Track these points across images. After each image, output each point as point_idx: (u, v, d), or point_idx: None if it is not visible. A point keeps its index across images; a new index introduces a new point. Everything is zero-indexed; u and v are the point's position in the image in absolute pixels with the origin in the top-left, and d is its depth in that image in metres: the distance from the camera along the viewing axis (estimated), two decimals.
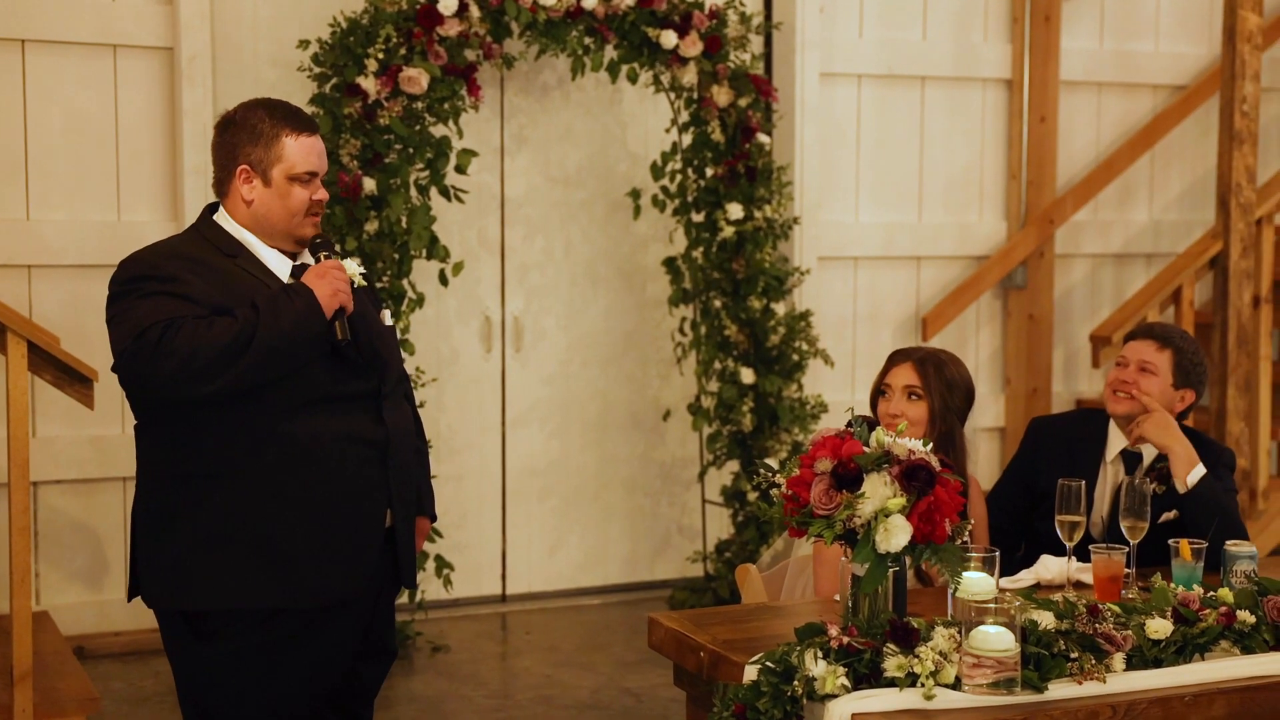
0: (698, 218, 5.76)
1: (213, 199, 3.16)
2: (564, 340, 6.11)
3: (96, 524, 5.33)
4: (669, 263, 5.86)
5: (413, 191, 5.26)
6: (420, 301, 5.35)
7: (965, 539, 2.65)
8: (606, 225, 6.11)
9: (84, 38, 5.27)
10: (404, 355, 5.17)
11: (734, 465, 5.90)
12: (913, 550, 2.51)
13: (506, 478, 6.07)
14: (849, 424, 2.63)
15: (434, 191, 5.34)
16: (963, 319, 6.57)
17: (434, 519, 3.44)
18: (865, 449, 2.57)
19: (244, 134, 3.05)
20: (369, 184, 5.11)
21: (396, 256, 5.22)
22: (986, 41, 6.53)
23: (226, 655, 3.00)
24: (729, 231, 5.66)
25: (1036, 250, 6.54)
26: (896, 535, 2.49)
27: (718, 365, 5.80)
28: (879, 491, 2.51)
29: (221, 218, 3.09)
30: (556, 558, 6.18)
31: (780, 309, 5.79)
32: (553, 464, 6.13)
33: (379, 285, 5.19)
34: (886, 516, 2.49)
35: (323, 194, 3.09)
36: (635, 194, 5.83)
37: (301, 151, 3.04)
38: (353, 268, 3.15)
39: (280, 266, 3.08)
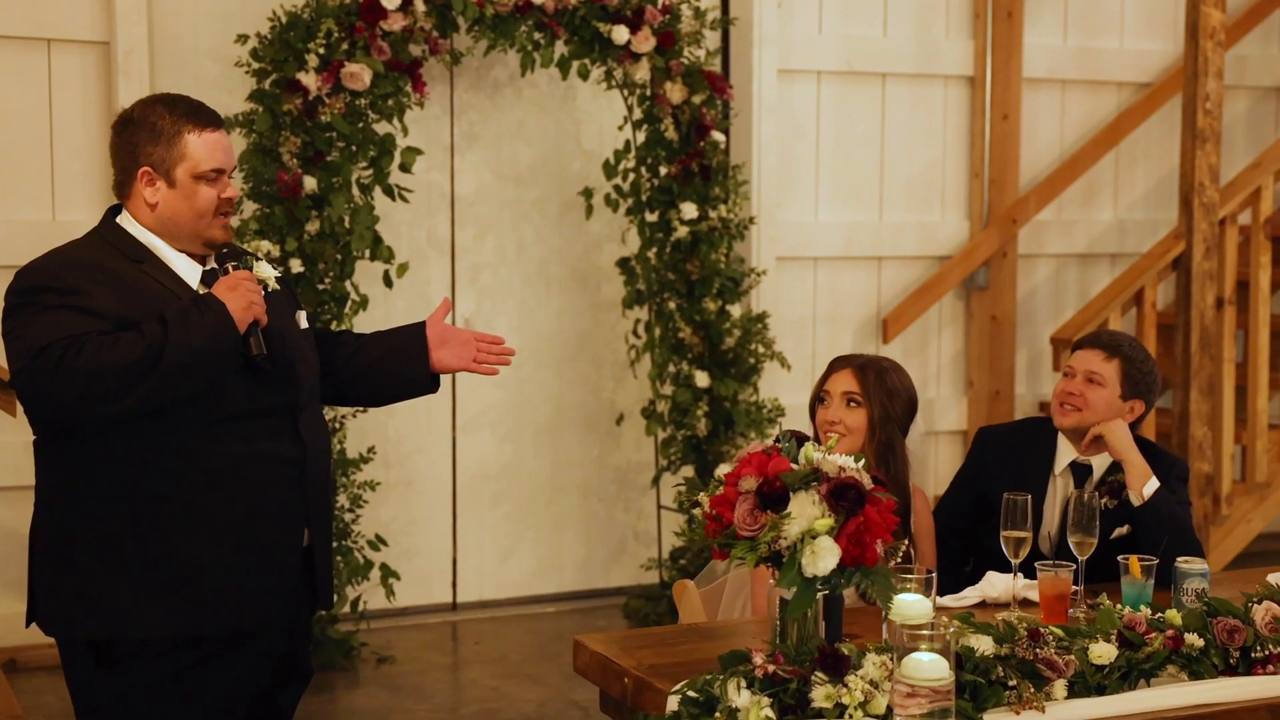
0: (651, 217, 5.62)
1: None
2: (516, 342, 5.94)
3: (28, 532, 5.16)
4: (623, 263, 5.73)
5: (355, 190, 5.11)
6: (364, 304, 5.21)
7: (902, 555, 2.52)
8: (560, 225, 5.98)
9: (16, 31, 5.11)
10: None
11: (689, 470, 5.77)
12: (842, 573, 2.38)
13: (457, 483, 5.93)
14: (777, 439, 2.50)
15: (379, 191, 5.19)
16: (924, 320, 6.46)
17: None
18: (793, 466, 2.43)
19: (144, 133, 2.88)
20: (310, 183, 4.96)
21: (339, 257, 5.08)
22: (948, 38, 6.41)
23: (132, 685, 2.85)
24: (683, 231, 5.52)
25: (999, 250, 6.43)
26: (824, 558, 2.35)
27: (672, 368, 5.67)
28: (806, 511, 2.38)
29: (125, 221, 2.93)
30: (509, 565, 6.04)
31: (736, 311, 5.66)
32: (505, 469, 5.99)
33: (320, 287, 5.05)
34: (814, 538, 2.35)
35: (232, 192, 2.94)
36: (588, 193, 5.69)
37: (206, 148, 2.89)
38: (266, 270, 3.01)
39: (189, 272, 2.93)
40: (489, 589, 6.01)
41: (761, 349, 5.65)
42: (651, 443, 5.98)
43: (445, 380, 5.82)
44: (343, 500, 5.18)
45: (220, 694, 2.91)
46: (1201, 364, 5.50)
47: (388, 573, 5.37)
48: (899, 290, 6.44)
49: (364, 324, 5.47)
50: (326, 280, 5.06)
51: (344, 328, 5.06)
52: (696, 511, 2.47)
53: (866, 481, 2.43)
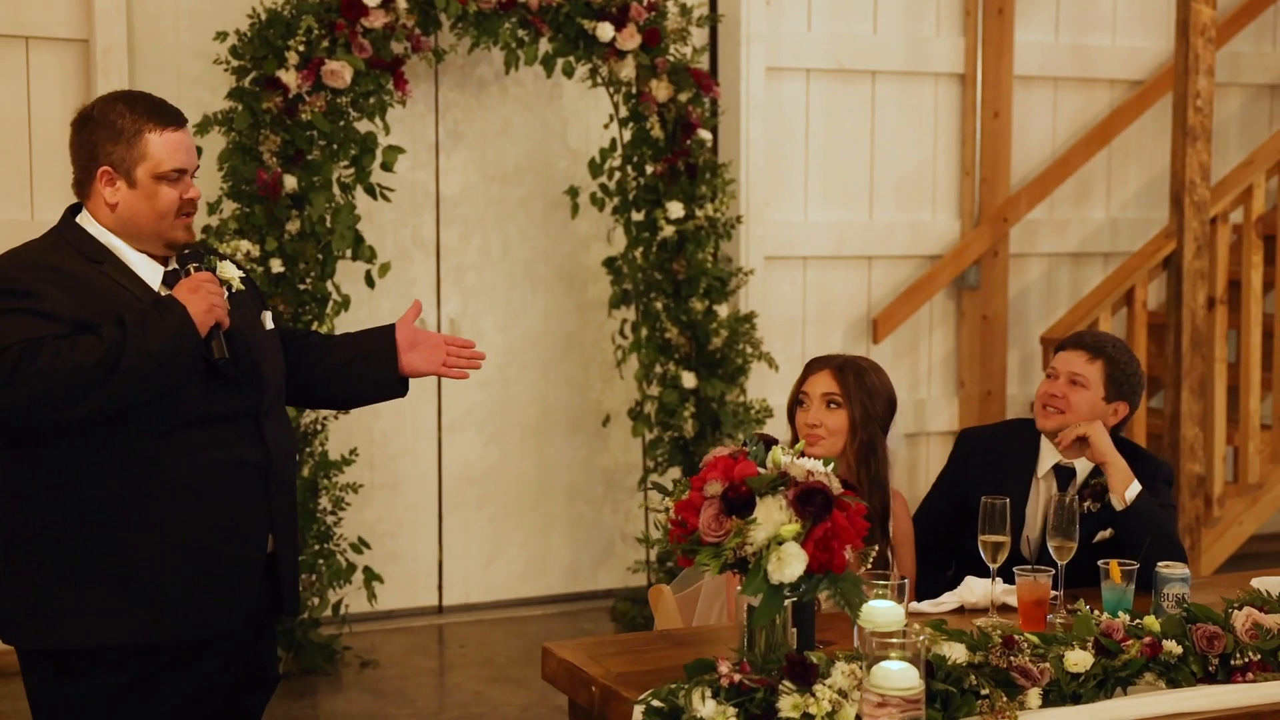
0: (637, 216, 5.57)
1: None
2: (502, 342, 5.91)
3: None
4: (610, 263, 5.67)
5: (336, 190, 5.06)
6: (346, 304, 5.15)
7: (881, 560, 2.46)
8: (546, 224, 5.92)
9: None
10: None
11: (676, 472, 5.71)
12: (809, 580, 2.33)
13: (443, 485, 5.88)
14: (745, 442, 2.44)
15: (361, 190, 5.14)
16: (915, 320, 6.40)
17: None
18: (760, 470, 2.38)
19: (103, 131, 2.81)
20: (290, 182, 4.91)
21: (320, 257, 5.03)
22: (938, 35, 6.35)
23: (91, 693, 2.79)
24: (669, 231, 5.47)
25: (990, 249, 6.37)
26: (790, 564, 2.30)
27: (658, 369, 5.61)
28: (773, 517, 2.33)
29: (85, 220, 2.87)
30: (495, 567, 5.99)
31: (723, 311, 5.60)
32: (491, 470, 5.94)
33: (301, 287, 5.00)
34: (780, 544, 2.30)
35: (194, 192, 2.87)
36: (573, 192, 5.64)
37: (168, 148, 2.82)
38: (230, 270, 2.95)
39: (150, 273, 2.86)
40: (475, 592, 5.96)
41: (749, 349, 5.60)
42: (638, 444, 5.92)
43: (430, 381, 5.79)
44: (324, 503, 5.13)
45: (181, 702, 2.85)
46: (1193, 364, 5.45)
47: (371, 575, 5.32)
48: (889, 290, 6.38)
49: (347, 324, 5.42)
50: (307, 280, 5.01)
51: (326, 329, 5.01)
52: (661, 516, 2.41)
53: (835, 486, 2.38)
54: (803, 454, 3.05)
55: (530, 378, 5.96)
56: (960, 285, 6.45)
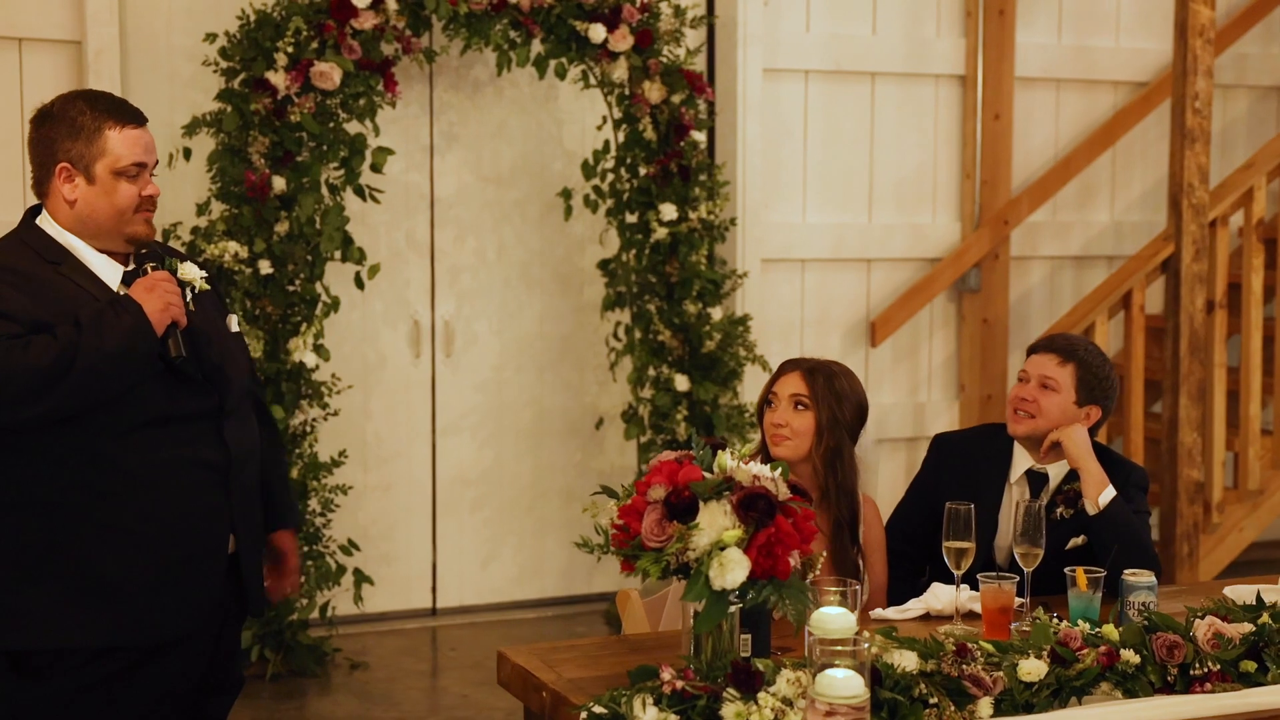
0: (631, 219, 5.54)
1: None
2: (497, 345, 5.90)
3: None
4: (605, 265, 5.65)
5: (324, 191, 5.05)
6: (335, 305, 5.15)
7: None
8: (541, 226, 5.90)
9: None
10: (318, 362, 5.01)
11: None
12: (753, 586, 2.30)
13: (437, 488, 5.86)
14: (691, 444, 2.41)
15: (356, 192, 5.13)
16: (915, 323, 6.36)
17: (299, 528, 3.26)
18: (706, 475, 2.35)
19: (62, 128, 2.82)
20: (279, 183, 4.90)
21: (309, 259, 5.02)
22: (939, 36, 6.30)
23: (51, 695, 2.78)
24: (662, 233, 5.44)
25: (991, 252, 6.32)
26: (732, 570, 2.27)
27: (652, 372, 5.59)
28: (716, 522, 2.30)
29: (44, 221, 2.87)
30: (490, 570, 5.97)
31: (717, 313, 5.57)
32: (485, 473, 5.92)
33: (290, 289, 4.99)
34: (722, 550, 2.27)
35: (153, 189, 2.87)
36: (566, 194, 5.61)
37: (126, 143, 2.82)
38: (192, 271, 2.94)
39: (109, 273, 2.86)
40: (469, 594, 5.94)
41: (743, 352, 5.56)
42: (634, 446, 5.90)
43: (424, 383, 5.80)
44: (314, 504, 5.12)
45: (142, 704, 2.84)
46: (1191, 368, 5.38)
47: (361, 578, 5.31)
48: (889, 293, 6.34)
49: (340, 326, 5.46)
50: (296, 282, 5.00)
51: (315, 330, 5.00)
52: (604, 521, 2.38)
53: (782, 491, 2.35)
54: (769, 456, 3.03)
55: (525, 380, 5.94)
56: (961, 288, 6.40)
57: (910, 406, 6.37)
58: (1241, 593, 3.01)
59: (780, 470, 2.40)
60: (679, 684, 2.29)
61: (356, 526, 5.60)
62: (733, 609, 2.36)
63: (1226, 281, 5.57)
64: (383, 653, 5.47)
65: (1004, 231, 6.32)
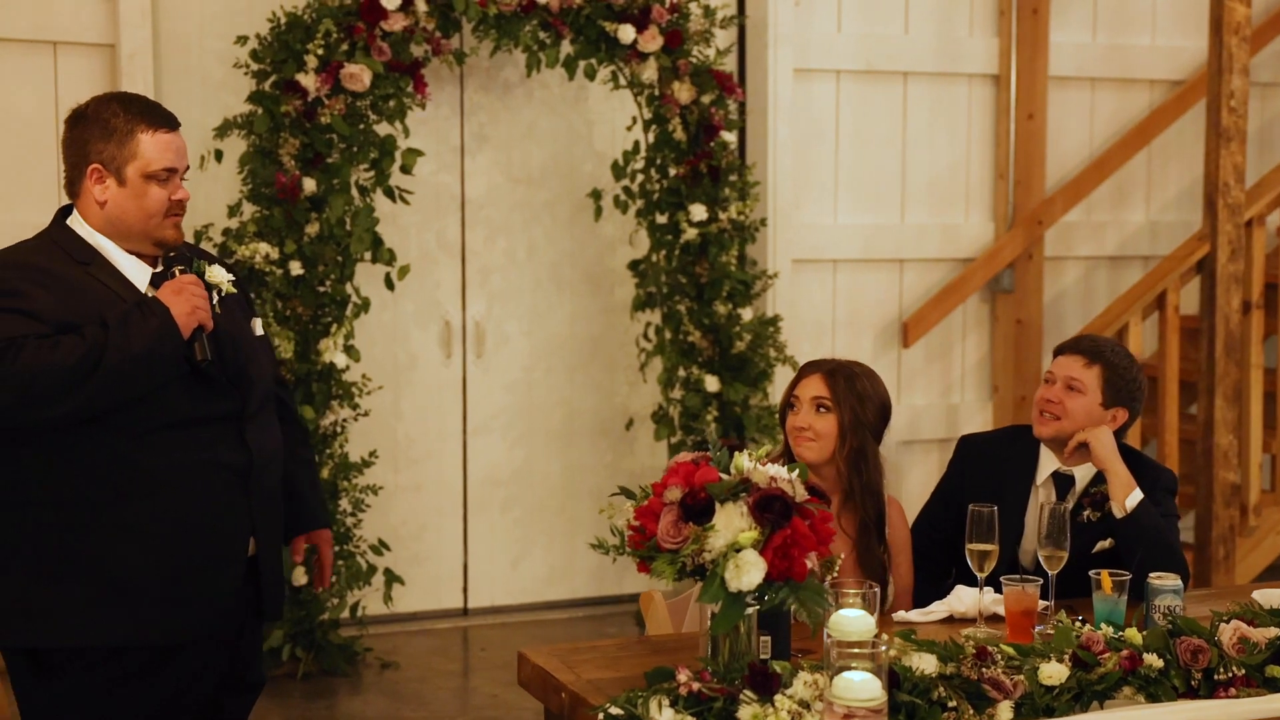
0: (661, 219, 5.54)
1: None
2: (527, 345, 5.91)
3: None
4: (634, 266, 5.65)
5: (354, 192, 5.07)
6: (365, 306, 5.17)
7: (838, 570, 2.41)
8: (571, 227, 5.91)
9: (22, 34, 5.12)
10: (348, 362, 5.04)
11: None
12: (769, 588, 2.29)
13: (468, 488, 5.88)
14: (707, 446, 2.41)
15: (386, 193, 5.15)
16: (947, 324, 6.32)
17: (331, 527, 3.28)
18: (723, 476, 2.34)
19: (95, 129, 2.85)
20: (309, 184, 4.93)
21: (339, 260, 5.04)
22: (972, 35, 6.27)
23: (71, 693, 2.81)
24: (692, 234, 5.43)
25: (1025, 252, 6.28)
26: (748, 572, 2.26)
27: (682, 372, 5.58)
28: (732, 524, 2.29)
29: (75, 221, 2.90)
30: (520, 570, 5.98)
31: (747, 314, 5.56)
32: (516, 473, 5.93)
33: (321, 290, 5.02)
34: (738, 551, 2.26)
35: (183, 193, 2.89)
36: (596, 194, 5.61)
37: (158, 148, 2.84)
38: (220, 274, 2.96)
39: (138, 274, 2.88)
40: (500, 595, 5.95)
41: (773, 353, 5.55)
42: (664, 448, 5.89)
43: (455, 383, 5.82)
44: (344, 505, 5.14)
45: (160, 703, 2.86)
46: (1226, 370, 5.33)
47: (391, 578, 5.33)
48: (921, 293, 6.31)
49: (370, 326, 5.47)
50: (327, 283, 5.02)
51: (345, 331, 5.03)
52: (620, 522, 2.38)
53: (799, 493, 2.34)
54: (792, 458, 3.02)
55: (555, 381, 5.95)
56: (994, 289, 6.37)
57: (943, 408, 6.34)
58: (1270, 596, 2.98)
59: (798, 472, 2.40)
60: (695, 686, 2.28)
61: (387, 526, 5.62)
62: (750, 611, 2.35)
63: (1263, 282, 5.52)
64: (413, 652, 5.48)
65: (1038, 232, 6.28)
